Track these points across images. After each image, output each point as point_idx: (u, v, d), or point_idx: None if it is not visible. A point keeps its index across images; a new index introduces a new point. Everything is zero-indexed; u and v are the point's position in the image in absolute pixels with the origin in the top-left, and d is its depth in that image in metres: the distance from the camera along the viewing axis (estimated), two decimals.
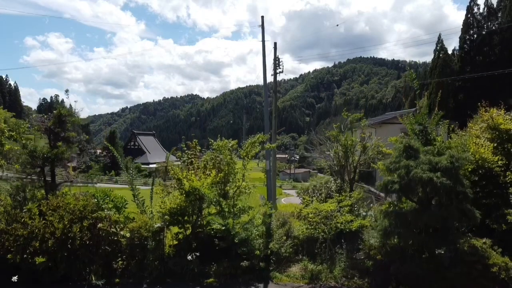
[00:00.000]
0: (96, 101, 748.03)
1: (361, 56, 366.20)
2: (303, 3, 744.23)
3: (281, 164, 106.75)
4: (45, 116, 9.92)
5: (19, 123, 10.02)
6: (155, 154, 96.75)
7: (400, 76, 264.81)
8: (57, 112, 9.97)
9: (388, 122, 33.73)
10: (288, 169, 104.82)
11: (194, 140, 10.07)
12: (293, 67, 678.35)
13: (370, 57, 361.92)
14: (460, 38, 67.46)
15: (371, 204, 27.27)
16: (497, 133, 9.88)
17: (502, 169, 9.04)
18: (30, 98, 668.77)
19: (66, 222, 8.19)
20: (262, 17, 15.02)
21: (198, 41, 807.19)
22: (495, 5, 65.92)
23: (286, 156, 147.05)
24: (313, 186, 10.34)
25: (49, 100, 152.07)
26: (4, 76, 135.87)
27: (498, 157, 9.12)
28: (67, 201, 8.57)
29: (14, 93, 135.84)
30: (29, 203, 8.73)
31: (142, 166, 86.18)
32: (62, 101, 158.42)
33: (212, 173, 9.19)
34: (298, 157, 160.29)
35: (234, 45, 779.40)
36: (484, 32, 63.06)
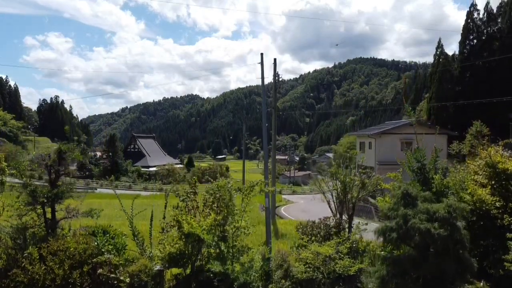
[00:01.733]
0: (96, 100, 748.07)
1: (361, 57, 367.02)
2: (303, 2, 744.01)
3: (281, 167, 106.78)
4: (45, 155, 9.98)
5: (19, 162, 10.06)
6: (155, 157, 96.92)
7: (400, 77, 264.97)
8: (57, 148, 10.03)
9: (388, 133, 33.85)
10: (288, 171, 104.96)
11: (194, 177, 10.15)
12: (293, 67, 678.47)
13: (370, 57, 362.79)
14: (459, 43, 67.54)
15: (370, 216, 27.16)
16: (495, 171, 9.93)
17: (500, 211, 9.08)
18: (30, 98, 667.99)
19: (66, 268, 8.24)
20: (262, 54, 14.95)
21: (198, 40, 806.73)
22: (495, 11, 65.99)
23: (286, 157, 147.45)
24: (312, 222, 10.43)
25: (49, 101, 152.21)
26: (4, 77, 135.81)
27: (495, 198, 9.16)
28: (67, 244, 8.61)
29: (14, 94, 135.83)
30: (30, 246, 8.76)
31: (142, 169, 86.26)
32: (62, 102, 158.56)
33: (211, 215, 9.24)
34: (297, 158, 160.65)
35: (234, 45, 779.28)
36: (484, 38, 63.12)
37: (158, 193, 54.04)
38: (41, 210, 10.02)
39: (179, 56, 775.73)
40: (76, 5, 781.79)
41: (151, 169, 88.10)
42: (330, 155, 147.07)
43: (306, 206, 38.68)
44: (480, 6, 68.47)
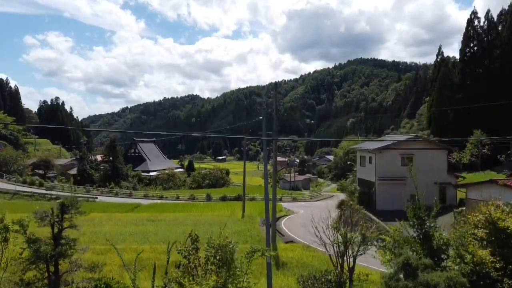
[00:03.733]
0: (96, 100, 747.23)
1: (361, 57, 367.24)
2: (304, 2, 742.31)
3: (281, 171, 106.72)
4: (48, 209, 10.05)
5: (23, 220, 10.17)
6: (156, 162, 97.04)
7: (400, 79, 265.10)
8: (59, 203, 10.11)
9: (388, 148, 33.86)
10: (288, 173, 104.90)
11: (195, 233, 10.16)
12: (293, 67, 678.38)
13: (371, 58, 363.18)
14: (460, 50, 67.72)
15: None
16: (495, 228, 9.96)
17: (500, 273, 9.08)
18: (30, 97, 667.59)
19: None
20: (263, 119, 14.93)
21: (198, 40, 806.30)
22: (495, 19, 66.02)
23: (286, 160, 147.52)
24: (313, 276, 10.47)
25: (49, 103, 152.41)
26: (5, 79, 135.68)
27: (495, 258, 9.16)
28: None
29: (15, 96, 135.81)
30: None
31: (143, 174, 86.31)
32: (63, 103, 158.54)
33: (212, 276, 9.29)
34: (298, 160, 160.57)
35: (235, 44, 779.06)
36: (484, 45, 63.16)
37: (158, 201, 54.07)
38: (44, 265, 10.10)
39: (179, 55, 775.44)
40: (76, 4, 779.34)
41: (151, 173, 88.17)
42: (331, 157, 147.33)
43: (306, 219, 38.81)
44: (481, 14, 68.50)
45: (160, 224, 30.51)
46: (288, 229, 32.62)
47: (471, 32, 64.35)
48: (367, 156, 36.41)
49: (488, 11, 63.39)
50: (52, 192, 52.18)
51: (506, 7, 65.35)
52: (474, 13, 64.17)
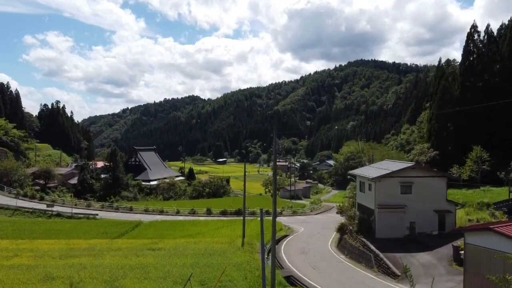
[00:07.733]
0: (97, 99, 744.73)
1: (362, 59, 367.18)
2: (304, 1, 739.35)
3: (281, 177, 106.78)
4: None
5: None
6: (156, 170, 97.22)
7: (401, 81, 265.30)
8: None
9: (388, 176, 34.03)
10: (289, 177, 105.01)
11: None
12: (294, 66, 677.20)
13: (371, 59, 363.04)
14: (460, 64, 67.84)
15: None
16: None
17: None
18: (30, 97, 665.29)
19: None
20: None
21: (198, 39, 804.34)
22: (495, 33, 66.14)
23: (286, 163, 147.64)
24: None
25: (50, 106, 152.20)
26: (5, 83, 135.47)
27: None
28: None
29: (15, 100, 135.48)
30: None
31: (143, 183, 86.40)
32: (63, 107, 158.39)
33: None
34: (298, 165, 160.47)
35: (235, 44, 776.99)
36: (484, 60, 63.25)
37: (158, 218, 54.18)
38: None
39: (179, 55, 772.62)
40: (76, 4, 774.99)
41: (152, 182, 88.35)
42: (331, 162, 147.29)
43: (306, 242, 38.95)
44: (481, 28, 67.76)
45: (161, 255, 30.60)
46: (287, 258, 32.64)
47: (471, 46, 64.51)
48: (366, 183, 36.60)
49: (488, 26, 63.55)
50: (53, 209, 52.47)
51: (506, 22, 65.48)
52: (474, 27, 64.26)
